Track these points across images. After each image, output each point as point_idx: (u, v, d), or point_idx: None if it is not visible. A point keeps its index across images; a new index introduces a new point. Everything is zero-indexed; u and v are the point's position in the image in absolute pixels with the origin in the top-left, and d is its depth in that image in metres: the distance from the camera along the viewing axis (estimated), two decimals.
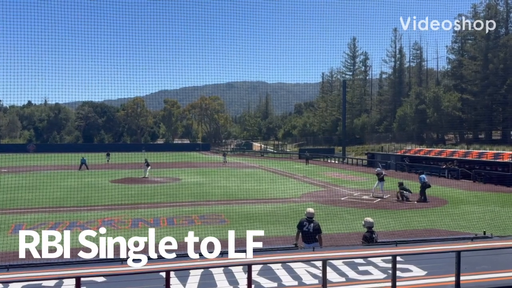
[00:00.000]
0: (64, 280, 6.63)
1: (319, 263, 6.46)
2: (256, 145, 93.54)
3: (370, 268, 7.43)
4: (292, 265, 7.15)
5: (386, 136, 68.37)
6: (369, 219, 9.28)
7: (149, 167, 32.38)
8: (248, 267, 5.69)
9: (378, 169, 24.12)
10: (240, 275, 6.80)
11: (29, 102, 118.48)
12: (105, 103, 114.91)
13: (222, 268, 6.91)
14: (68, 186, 26.13)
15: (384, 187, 22.09)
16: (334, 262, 7.22)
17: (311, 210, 9.61)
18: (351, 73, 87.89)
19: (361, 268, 7.41)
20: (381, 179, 22.11)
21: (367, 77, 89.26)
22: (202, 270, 6.90)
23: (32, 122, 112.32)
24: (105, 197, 21.22)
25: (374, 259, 7.39)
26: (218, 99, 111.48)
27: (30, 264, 7.01)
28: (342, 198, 21.68)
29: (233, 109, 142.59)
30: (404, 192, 21.10)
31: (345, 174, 35.06)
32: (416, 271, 7.46)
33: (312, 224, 9.20)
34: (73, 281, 5.55)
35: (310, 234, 9.14)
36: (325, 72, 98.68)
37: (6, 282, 6.15)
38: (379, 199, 21.22)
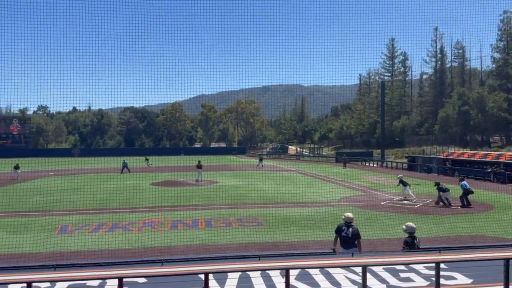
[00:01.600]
0: (107, 280, 6.85)
1: (358, 269, 6.31)
2: (292, 149, 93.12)
3: (412, 275, 7.17)
4: (331, 270, 7.02)
5: (427, 138, 66.05)
6: (411, 224, 8.96)
7: (201, 170, 32.25)
8: (286, 271, 5.64)
9: (400, 175, 23.87)
10: (277, 279, 6.76)
11: (74, 108, 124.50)
12: (145, 108, 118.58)
13: (260, 272, 6.89)
14: (111, 188, 27.06)
15: (422, 192, 21.43)
16: (374, 268, 7.02)
17: (349, 214, 9.42)
18: (389, 74, 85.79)
19: (402, 275, 7.17)
20: (405, 184, 22.01)
21: (407, 78, 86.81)
22: (240, 273, 6.92)
23: (77, 127, 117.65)
24: (146, 199, 21.86)
25: (416, 266, 7.12)
26: (254, 103, 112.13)
27: (76, 264, 7.30)
28: (382, 203, 21.10)
29: (269, 112, 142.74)
30: (441, 193, 20.30)
31: (385, 178, 34.13)
32: (461, 279, 7.12)
33: (351, 229, 9.00)
34: (115, 281, 5.71)
35: (348, 239, 8.96)
36: (362, 73, 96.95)
37: (53, 281, 6.43)
38: (420, 203, 20.52)
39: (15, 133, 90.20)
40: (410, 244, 8.39)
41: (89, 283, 7.00)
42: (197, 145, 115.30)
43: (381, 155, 55.74)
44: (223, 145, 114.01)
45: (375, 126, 77.27)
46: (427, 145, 59.00)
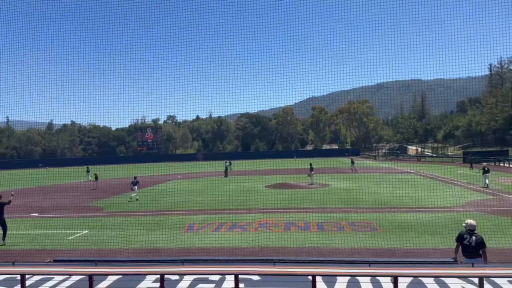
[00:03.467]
0: (226, 276, 7.57)
1: (477, 280, 5.87)
2: (412, 149, 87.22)
3: None
4: (447, 280, 6.63)
5: None
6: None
7: (313, 172, 32.53)
8: (394, 279, 5.56)
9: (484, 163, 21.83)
10: (388, 286, 6.65)
11: (197, 117, 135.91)
12: (259, 113, 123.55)
13: (370, 278, 6.86)
14: (230, 190, 29.04)
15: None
16: (498, 280, 6.41)
17: (472, 221, 8.65)
18: None
19: None
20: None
21: None
22: (349, 277, 6.98)
23: (200, 134, 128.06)
24: (261, 200, 22.98)
25: None
26: (367, 102, 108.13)
27: (200, 259, 8.22)
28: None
29: (384, 111, 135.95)
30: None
31: None
32: None
33: (474, 237, 8.28)
34: (233, 277, 6.32)
35: (472, 248, 8.25)
36: (493, 63, 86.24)
37: (181, 274, 7.35)
38: None
39: (149, 141, 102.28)
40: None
41: (211, 277, 7.80)
42: (309, 147, 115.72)
43: None
44: (335, 147, 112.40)
45: (510, 121, 68.04)
46: None
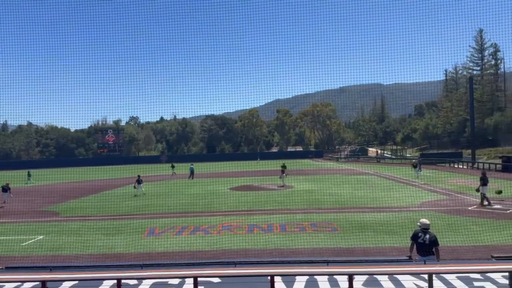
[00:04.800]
0: (186, 279, 7.50)
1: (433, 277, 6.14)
2: (372, 151, 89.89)
3: (487, 284, 6.74)
4: (400, 277, 6.90)
5: None
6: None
7: (285, 174, 32.75)
8: (349, 277, 5.73)
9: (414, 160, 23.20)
10: (345, 284, 6.82)
11: (162, 118, 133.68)
12: (224, 115, 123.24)
13: (327, 277, 7.03)
14: (193, 193, 28.77)
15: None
16: (447, 276, 6.75)
17: (425, 220, 9.05)
18: (479, 68, 79.10)
19: (476, 283, 6.78)
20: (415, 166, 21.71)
21: (499, 71, 79.10)
22: (307, 277, 7.11)
23: (164, 135, 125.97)
24: (225, 203, 22.93)
25: (493, 274, 6.68)
26: (330, 105, 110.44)
27: (159, 264, 8.10)
28: (470, 208, 19.66)
29: (346, 114, 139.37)
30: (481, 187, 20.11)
31: (475, 180, 31.52)
32: None
33: (427, 236, 8.62)
34: (191, 280, 6.28)
35: (425, 246, 8.59)
36: (448, 68, 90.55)
37: (140, 279, 7.23)
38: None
39: (110, 142, 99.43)
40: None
41: (170, 281, 7.71)
42: (274, 149, 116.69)
43: (471, 156, 51.50)
44: (299, 149, 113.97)
45: (464, 125, 71.61)
46: None
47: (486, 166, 43.31)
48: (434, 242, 8.54)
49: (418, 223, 9.06)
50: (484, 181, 20.46)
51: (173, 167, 49.89)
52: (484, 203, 20.07)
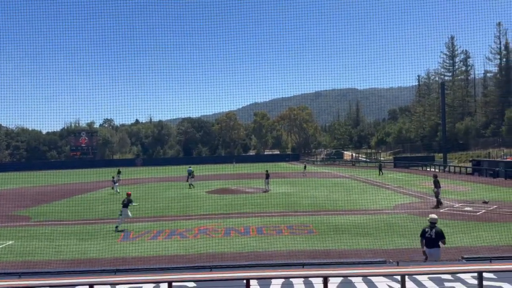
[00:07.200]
0: (160, 284, 7.40)
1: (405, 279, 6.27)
2: (347, 154, 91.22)
3: (457, 285, 6.96)
4: (374, 279, 7.03)
5: (494, 140, 61.80)
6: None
7: (270, 179, 31.64)
8: (324, 279, 5.79)
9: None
10: (320, 286, 6.89)
11: (137, 120, 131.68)
12: (201, 118, 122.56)
13: (303, 279, 7.07)
14: (169, 196, 28.42)
15: (491, 198, 20.61)
16: (419, 277, 6.92)
17: (434, 216, 9.86)
18: (450, 74, 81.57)
19: (447, 284, 6.98)
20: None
21: (469, 77, 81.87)
22: (283, 280, 7.14)
23: (139, 138, 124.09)
24: (201, 207, 22.75)
25: (463, 275, 6.91)
26: (306, 109, 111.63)
27: (133, 269, 7.95)
28: (441, 210, 20.22)
29: (323, 118, 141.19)
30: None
31: (446, 183, 32.44)
32: None
33: (434, 230, 9.43)
34: (166, 285, 6.20)
35: (432, 240, 9.36)
36: (421, 74, 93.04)
37: (113, 284, 7.07)
38: (483, 210, 19.40)
39: (83, 145, 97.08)
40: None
41: (145, 286, 7.58)
42: (251, 152, 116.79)
43: (443, 160, 53.05)
44: (277, 152, 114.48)
45: (436, 129, 73.66)
46: (494, 148, 55.17)
47: (457, 169, 44.72)
48: (439, 235, 9.36)
49: (428, 218, 9.90)
50: (436, 184, 21.69)
51: (119, 173, 39.06)
52: (439, 205, 21.19)
